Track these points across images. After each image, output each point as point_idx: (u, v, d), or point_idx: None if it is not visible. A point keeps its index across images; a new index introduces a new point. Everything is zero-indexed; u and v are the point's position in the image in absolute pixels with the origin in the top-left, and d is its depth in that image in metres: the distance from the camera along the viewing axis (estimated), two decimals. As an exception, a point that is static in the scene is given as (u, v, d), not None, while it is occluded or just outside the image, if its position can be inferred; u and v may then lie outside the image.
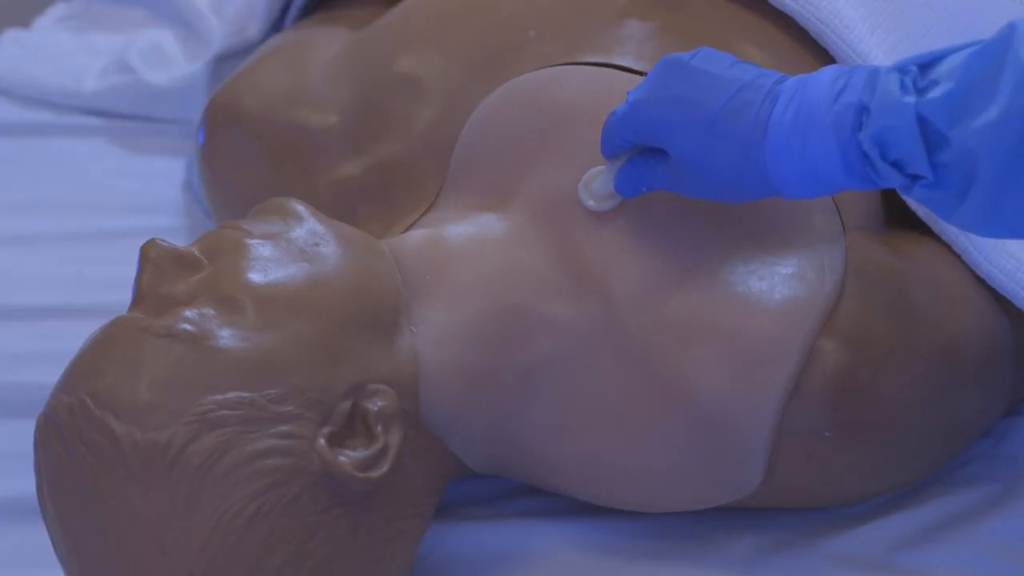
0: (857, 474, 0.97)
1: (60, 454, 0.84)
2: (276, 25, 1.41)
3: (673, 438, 0.94)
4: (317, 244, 0.91)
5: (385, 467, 0.86)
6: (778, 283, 0.93)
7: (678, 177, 0.89)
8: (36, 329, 1.26)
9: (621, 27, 1.04)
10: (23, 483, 0.99)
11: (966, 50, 0.80)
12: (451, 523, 1.02)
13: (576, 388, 0.94)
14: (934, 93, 0.79)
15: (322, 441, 0.85)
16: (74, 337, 0.93)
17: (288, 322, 0.87)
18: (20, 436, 1.02)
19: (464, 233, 0.97)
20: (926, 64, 0.81)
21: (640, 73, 1.00)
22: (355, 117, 1.09)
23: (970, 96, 0.77)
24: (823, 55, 1.05)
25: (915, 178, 0.81)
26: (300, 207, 0.94)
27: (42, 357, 1.21)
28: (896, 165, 0.81)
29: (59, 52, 1.71)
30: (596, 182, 0.94)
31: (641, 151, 0.92)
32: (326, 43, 1.18)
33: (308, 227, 0.93)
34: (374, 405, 0.87)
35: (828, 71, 0.84)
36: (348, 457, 0.85)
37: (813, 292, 0.93)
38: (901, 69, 0.81)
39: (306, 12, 1.37)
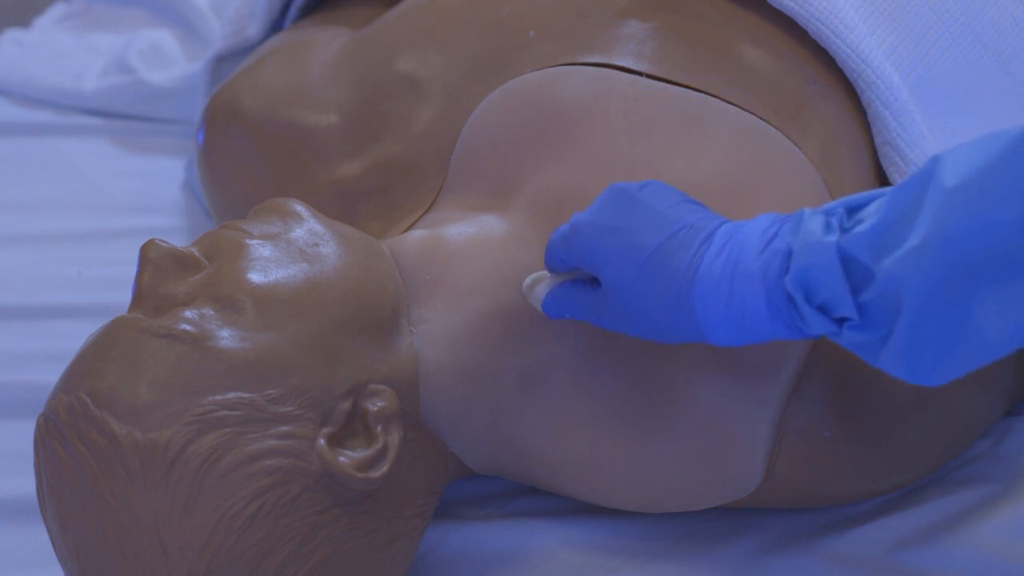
0: (857, 474, 0.97)
1: (60, 454, 0.84)
2: (276, 25, 1.40)
3: (673, 438, 0.94)
4: (317, 244, 0.91)
5: (385, 467, 0.86)
6: (778, 283, 0.93)
7: (606, 309, 0.87)
8: (36, 329, 1.26)
9: (621, 27, 1.04)
10: (23, 483, 1.00)
11: (891, 188, 0.78)
12: (451, 523, 1.02)
13: (576, 389, 0.94)
14: (859, 229, 0.78)
15: (322, 441, 0.85)
16: (74, 337, 0.93)
17: (288, 322, 0.87)
18: (20, 436, 1.02)
19: (464, 233, 0.97)
20: (853, 207, 0.80)
21: (639, 73, 1.00)
22: (355, 117, 1.09)
23: (894, 228, 0.76)
24: (823, 55, 1.05)
25: (841, 322, 0.79)
26: (300, 207, 0.94)
27: (42, 357, 1.21)
28: (822, 309, 0.79)
29: (59, 52, 1.72)
30: (538, 287, 0.92)
31: (576, 279, 0.90)
32: (326, 43, 1.18)
33: (308, 227, 0.93)
34: (374, 405, 0.87)
35: (762, 219, 0.83)
36: (348, 457, 0.85)
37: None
38: (828, 211, 0.81)
39: (306, 12, 1.37)
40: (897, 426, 0.96)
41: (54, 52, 1.72)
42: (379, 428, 0.87)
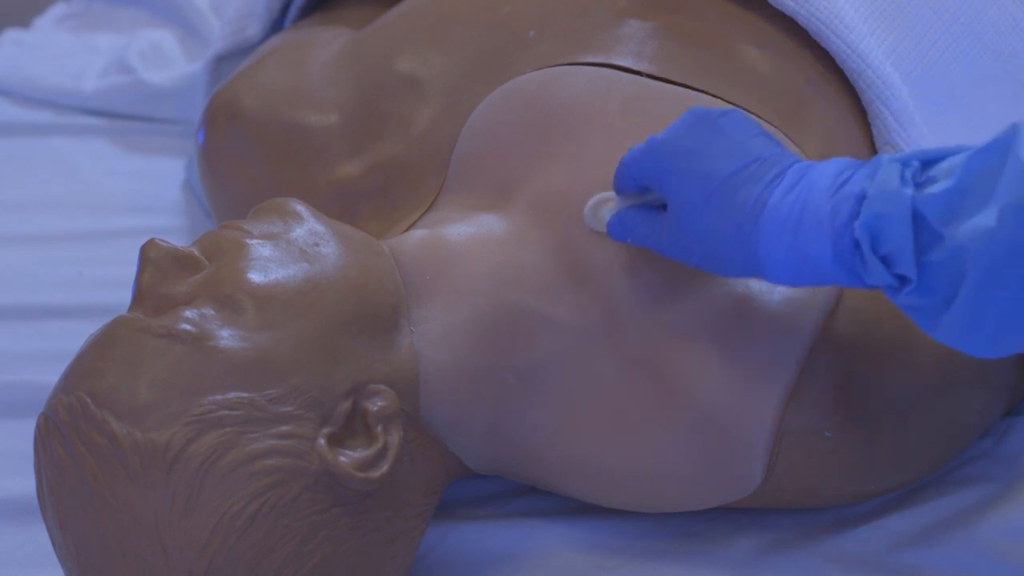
0: (857, 474, 0.97)
1: (60, 454, 0.84)
2: (276, 25, 1.41)
3: (674, 438, 0.94)
4: (317, 244, 0.91)
5: (385, 467, 0.86)
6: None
7: (668, 232, 0.88)
8: (36, 329, 1.26)
9: (621, 27, 1.04)
10: (23, 483, 1.00)
11: (968, 151, 0.78)
12: (451, 523, 1.02)
13: (576, 389, 0.94)
14: (932, 189, 0.77)
15: (322, 441, 0.85)
16: (74, 337, 0.93)
17: (288, 322, 0.87)
18: (20, 436, 1.02)
19: (464, 233, 0.97)
20: (929, 161, 0.80)
21: (639, 73, 1.00)
22: (355, 117, 1.09)
23: (968, 195, 0.76)
24: (823, 55, 1.05)
25: (902, 280, 0.79)
26: (300, 207, 0.94)
27: (42, 357, 1.21)
28: (885, 261, 0.79)
29: (59, 52, 1.72)
30: (603, 209, 0.93)
31: (643, 204, 0.91)
32: (326, 43, 1.18)
33: (308, 227, 0.93)
34: (374, 405, 0.87)
35: (836, 162, 0.83)
36: (348, 457, 0.85)
37: (813, 292, 0.93)
38: (904, 162, 0.80)
39: (306, 12, 1.37)
40: (897, 426, 0.96)
41: (54, 52, 1.72)
42: (379, 428, 0.87)
